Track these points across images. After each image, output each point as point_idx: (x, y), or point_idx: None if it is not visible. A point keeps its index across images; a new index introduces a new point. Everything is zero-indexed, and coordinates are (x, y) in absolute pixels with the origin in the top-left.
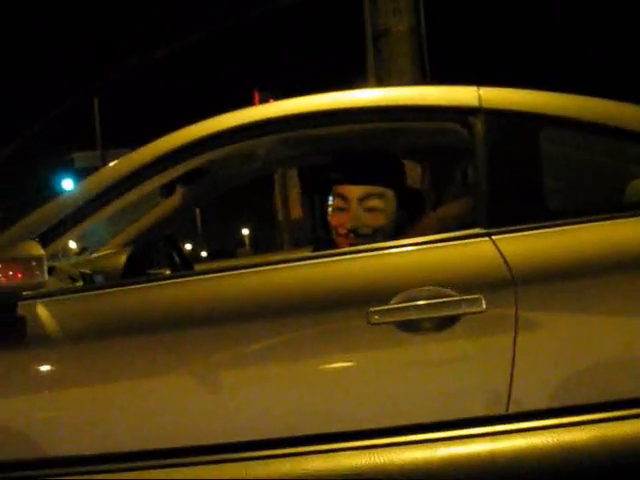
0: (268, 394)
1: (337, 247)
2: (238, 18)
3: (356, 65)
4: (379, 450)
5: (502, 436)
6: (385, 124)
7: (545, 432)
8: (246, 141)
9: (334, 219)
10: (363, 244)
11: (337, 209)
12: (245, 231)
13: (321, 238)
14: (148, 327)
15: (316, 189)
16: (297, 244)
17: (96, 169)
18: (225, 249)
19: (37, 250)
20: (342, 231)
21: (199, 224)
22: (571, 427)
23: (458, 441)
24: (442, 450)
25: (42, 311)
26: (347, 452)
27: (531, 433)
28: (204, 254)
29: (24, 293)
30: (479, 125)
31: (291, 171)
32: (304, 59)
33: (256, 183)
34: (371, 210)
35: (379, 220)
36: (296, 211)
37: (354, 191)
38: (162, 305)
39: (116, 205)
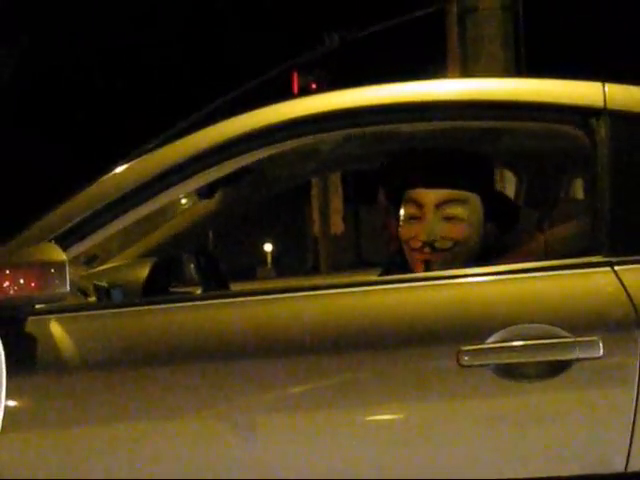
0: (326, 445)
1: (411, 268)
2: None
3: (433, 48)
4: None
5: None
6: (482, 123)
7: None
8: (313, 135)
9: (405, 230)
10: (441, 260)
11: (409, 218)
12: (268, 247)
13: (395, 259)
14: (174, 357)
15: (385, 196)
16: (337, 265)
17: None
18: (242, 267)
19: (57, 254)
20: (416, 244)
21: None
22: None
23: None
24: None
25: (57, 330)
26: None
27: None
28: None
29: (37, 306)
30: (603, 130)
31: (333, 176)
32: (361, 35)
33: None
34: (451, 219)
35: (461, 232)
36: (338, 225)
37: (430, 196)
38: (194, 331)
39: (153, 204)
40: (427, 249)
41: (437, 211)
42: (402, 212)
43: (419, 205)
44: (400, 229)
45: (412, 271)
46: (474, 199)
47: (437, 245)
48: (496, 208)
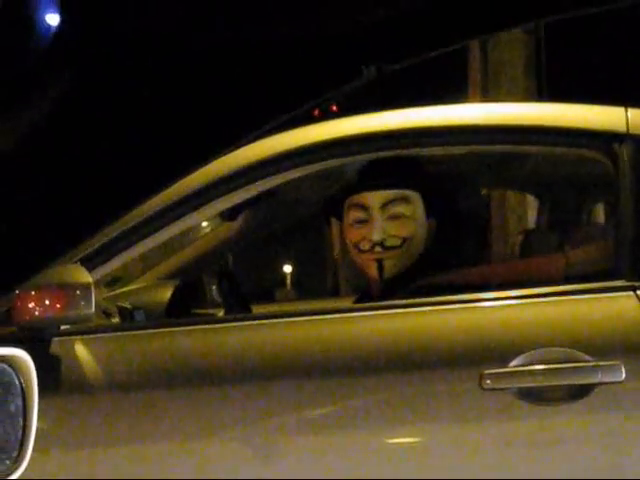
0: (347, 467)
1: (363, 271)
2: None
3: (453, 71)
4: None
5: None
6: (504, 147)
7: None
8: (342, 158)
9: (353, 234)
10: (392, 257)
11: (356, 222)
12: (287, 269)
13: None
14: (196, 378)
15: (325, 208)
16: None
17: None
18: (261, 289)
19: (83, 276)
20: (365, 246)
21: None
22: None
23: None
24: None
25: (81, 351)
26: None
27: None
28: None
29: (62, 327)
30: (626, 154)
31: None
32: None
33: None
34: (397, 217)
35: (408, 229)
36: None
37: (375, 198)
38: (216, 353)
39: (177, 227)
40: (378, 248)
41: (383, 211)
42: (347, 218)
43: (364, 208)
44: (347, 234)
45: (366, 275)
46: (415, 197)
47: (387, 244)
48: (435, 204)
